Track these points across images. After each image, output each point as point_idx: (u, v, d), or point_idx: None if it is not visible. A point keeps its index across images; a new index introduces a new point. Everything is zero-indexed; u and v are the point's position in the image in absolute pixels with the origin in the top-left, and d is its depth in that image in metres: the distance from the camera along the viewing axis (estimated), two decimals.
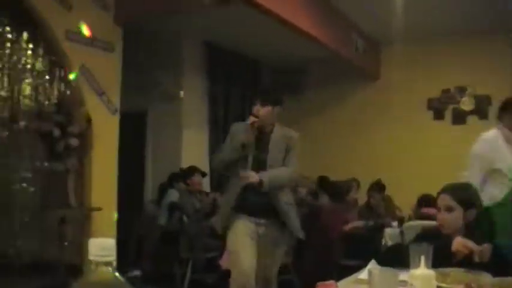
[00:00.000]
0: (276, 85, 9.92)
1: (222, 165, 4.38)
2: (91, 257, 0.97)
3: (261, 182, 4.09)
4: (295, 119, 9.76)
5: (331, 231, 6.43)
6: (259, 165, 4.21)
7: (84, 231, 6.39)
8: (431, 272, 1.88)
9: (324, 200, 7.17)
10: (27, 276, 5.88)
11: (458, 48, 8.50)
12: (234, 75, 8.89)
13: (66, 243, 6.00)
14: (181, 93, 7.86)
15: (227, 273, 5.85)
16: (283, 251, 4.52)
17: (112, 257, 0.98)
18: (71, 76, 6.02)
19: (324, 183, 7.77)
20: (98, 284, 0.95)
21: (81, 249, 6.39)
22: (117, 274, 0.97)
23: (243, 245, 4.18)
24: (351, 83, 9.40)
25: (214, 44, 8.36)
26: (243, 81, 9.16)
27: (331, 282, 2.08)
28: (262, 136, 4.31)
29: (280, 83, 9.87)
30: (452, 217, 2.72)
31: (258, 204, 4.20)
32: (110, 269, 0.96)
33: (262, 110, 4.28)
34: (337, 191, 7.13)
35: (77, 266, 6.18)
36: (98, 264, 0.96)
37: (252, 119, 4.22)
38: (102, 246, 0.98)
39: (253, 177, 4.10)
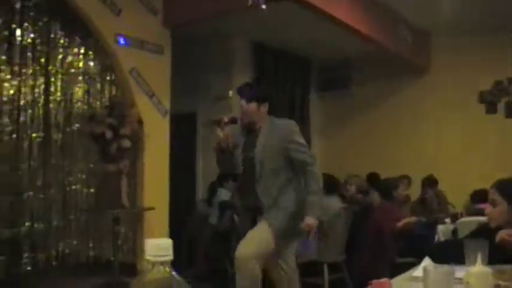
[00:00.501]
0: (324, 82, 9.84)
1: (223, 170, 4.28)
2: (148, 257, 0.97)
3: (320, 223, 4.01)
4: (343, 115, 9.69)
5: (383, 228, 6.29)
6: (249, 165, 3.94)
7: (137, 231, 6.45)
8: (488, 270, 1.78)
9: (374, 197, 7.02)
10: (83, 275, 6.02)
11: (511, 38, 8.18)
12: (282, 73, 8.82)
13: (119, 243, 6.06)
14: (230, 93, 7.82)
15: None
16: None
17: (169, 257, 0.98)
18: None
19: (373, 180, 7.62)
20: (155, 283, 0.96)
21: (134, 248, 6.47)
22: (173, 273, 0.98)
23: None
24: (399, 77, 9.18)
25: (263, 43, 8.31)
26: (291, 79, 9.08)
27: (385, 280, 2.00)
28: (251, 135, 4.02)
29: (329, 79, 9.77)
30: (497, 211, 2.63)
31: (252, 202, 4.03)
32: (166, 268, 0.97)
33: (246, 106, 3.98)
34: (386, 188, 6.97)
35: (130, 265, 6.26)
36: (155, 263, 0.96)
37: (225, 118, 4.00)
38: (159, 246, 0.98)
39: (311, 227, 3.83)
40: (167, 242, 0.99)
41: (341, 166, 8.53)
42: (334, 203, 6.03)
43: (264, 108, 4.01)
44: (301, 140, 3.99)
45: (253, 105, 3.96)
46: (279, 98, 8.79)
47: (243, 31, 7.86)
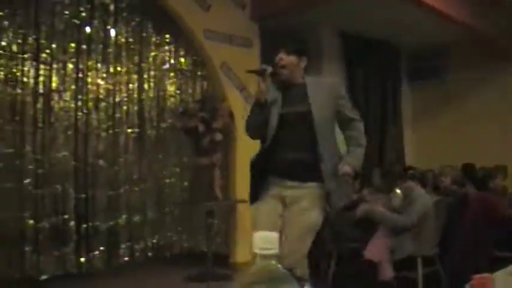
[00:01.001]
0: (415, 71, 9.48)
1: (252, 130, 3.64)
2: (255, 250, 0.94)
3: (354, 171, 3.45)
4: (436, 104, 9.30)
5: (480, 220, 5.98)
6: (288, 123, 3.47)
7: (229, 223, 6.45)
8: None
9: (470, 188, 6.68)
10: (177, 266, 6.07)
11: None
12: (372, 63, 8.55)
13: (213, 235, 6.07)
14: None
15: (371, 264, 5.67)
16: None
17: (275, 250, 0.93)
18: None
19: (468, 171, 7.26)
20: (262, 276, 0.92)
21: (227, 240, 6.47)
22: (280, 266, 0.94)
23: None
24: (493, 65, 8.69)
25: (351, 33, 8.07)
26: (382, 69, 8.79)
27: (487, 275, 1.83)
28: (291, 90, 3.58)
29: (420, 68, 9.40)
30: None
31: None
32: (273, 261, 0.93)
33: (286, 59, 3.58)
34: (483, 179, 6.61)
35: (223, 256, 6.27)
36: (262, 257, 0.93)
37: (269, 68, 3.58)
38: (266, 240, 0.94)
39: (348, 173, 3.37)
40: (274, 236, 0.94)
41: (434, 157, 8.19)
42: (427, 196, 5.80)
43: (303, 63, 3.68)
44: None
45: (293, 58, 3.60)
46: (370, 88, 8.55)
47: (330, 21, 7.67)
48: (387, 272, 5.60)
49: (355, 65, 8.33)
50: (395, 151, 9.01)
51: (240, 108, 6.33)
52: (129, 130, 6.12)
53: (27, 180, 5.30)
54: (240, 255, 6.38)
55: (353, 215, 6.54)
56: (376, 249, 5.61)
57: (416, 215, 5.57)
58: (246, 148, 6.44)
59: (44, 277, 5.32)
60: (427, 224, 5.61)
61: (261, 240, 0.93)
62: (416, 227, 5.53)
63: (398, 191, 6.28)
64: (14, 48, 5.31)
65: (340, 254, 6.31)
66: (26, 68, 5.37)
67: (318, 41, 7.82)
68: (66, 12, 5.63)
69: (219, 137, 5.77)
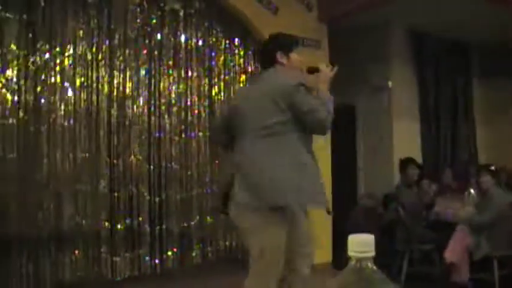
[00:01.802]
0: (486, 68, 8.97)
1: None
2: (351, 253, 0.90)
3: None
4: (509, 102, 8.75)
5: None
6: None
7: None
8: None
9: None
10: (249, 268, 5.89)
11: None
12: (442, 60, 8.13)
13: None
14: (390, 83, 7.36)
15: (449, 267, 5.36)
16: None
17: (372, 253, 0.90)
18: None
19: None
20: (359, 279, 0.89)
21: None
22: (375, 268, 0.91)
23: None
24: None
25: (420, 31, 7.69)
26: (452, 66, 8.35)
27: None
28: None
29: (491, 66, 8.88)
30: None
31: None
32: (369, 264, 0.90)
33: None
34: None
35: None
36: (358, 260, 0.90)
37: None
38: (362, 242, 0.92)
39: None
40: (370, 238, 0.91)
41: (508, 155, 7.72)
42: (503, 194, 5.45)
43: None
44: None
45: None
46: (441, 86, 8.14)
47: (399, 19, 7.33)
48: (463, 274, 5.30)
49: (425, 64, 7.96)
50: (468, 150, 8.61)
51: None
52: (201, 134, 6.03)
53: (102, 184, 5.30)
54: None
55: (427, 216, 6.24)
56: (456, 251, 5.33)
57: (491, 214, 5.27)
58: (316, 149, 6.23)
59: (118, 278, 5.31)
60: (502, 224, 5.29)
61: (357, 243, 0.90)
62: (492, 227, 5.23)
63: (472, 190, 5.96)
64: (89, 56, 5.32)
65: (412, 255, 6.03)
66: (100, 75, 5.37)
67: (386, 39, 7.50)
68: (138, 20, 5.61)
69: None
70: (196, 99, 6.03)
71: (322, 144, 6.21)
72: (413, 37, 7.79)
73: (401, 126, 7.44)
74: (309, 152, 3.23)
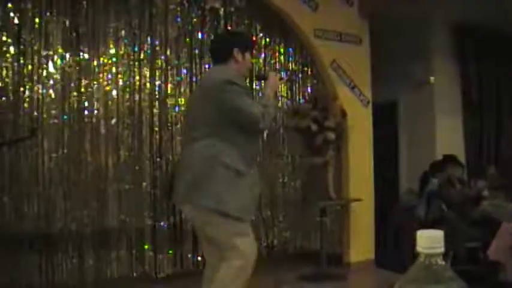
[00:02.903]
0: None
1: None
2: (419, 249, 0.87)
3: None
4: None
5: None
6: None
7: (343, 222, 6.00)
8: None
9: None
10: (291, 265, 5.72)
11: None
12: (486, 55, 7.65)
13: (326, 234, 5.66)
14: (432, 79, 6.96)
15: (494, 265, 5.01)
16: None
17: (441, 249, 0.86)
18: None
19: None
20: (427, 276, 0.85)
21: (341, 239, 6.02)
22: (444, 265, 0.85)
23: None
24: None
25: (463, 24, 7.20)
26: (497, 61, 7.85)
27: None
28: None
29: None
30: None
31: None
32: (438, 261, 0.86)
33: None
34: None
35: (337, 256, 5.85)
36: (427, 256, 0.86)
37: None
38: (431, 238, 0.87)
39: None
40: (439, 234, 0.87)
41: None
42: None
43: None
44: None
45: None
46: (484, 82, 7.68)
47: (441, 13, 6.91)
48: (509, 273, 4.98)
49: (468, 59, 7.51)
50: None
51: (351, 106, 5.83)
52: None
53: (145, 182, 5.16)
54: (354, 255, 5.87)
55: (472, 214, 5.90)
56: (500, 250, 5.00)
57: None
58: (358, 147, 5.99)
59: (162, 275, 5.16)
60: None
61: (426, 239, 0.87)
62: None
63: None
64: (131, 55, 5.19)
65: (456, 254, 5.70)
66: (142, 74, 5.23)
67: (428, 34, 7.10)
68: (179, 19, 5.44)
69: (331, 136, 5.32)
70: None
71: (364, 141, 5.95)
72: (456, 31, 7.32)
73: (444, 122, 7.04)
74: (243, 155, 2.97)
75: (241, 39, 3.26)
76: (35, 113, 4.69)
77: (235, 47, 3.11)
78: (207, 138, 2.92)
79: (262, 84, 3.12)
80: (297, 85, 6.15)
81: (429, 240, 0.86)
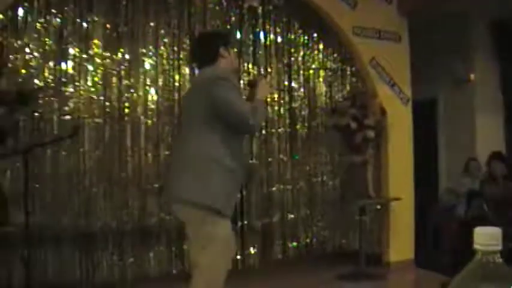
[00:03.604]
0: None
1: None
2: (477, 246, 0.77)
3: None
4: None
5: None
6: None
7: (383, 221, 5.78)
8: None
9: None
10: (329, 265, 5.56)
11: None
12: None
13: (365, 233, 5.46)
14: (472, 76, 6.67)
15: None
16: None
17: (498, 246, 0.77)
18: None
19: None
20: (484, 274, 0.77)
21: (380, 238, 5.82)
22: (502, 262, 0.77)
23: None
24: None
25: (503, 21, 6.87)
26: None
27: None
28: None
29: None
30: None
31: None
32: (496, 258, 0.78)
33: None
34: None
35: (376, 255, 5.66)
36: (484, 253, 0.78)
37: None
38: (489, 235, 0.78)
39: None
40: (497, 231, 0.78)
41: None
42: None
43: None
44: None
45: None
46: None
47: (480, 9, 6.58)
48: None
49: (509, 55, 7.16)
50: None
51: (391, 104, 5.60)
52: (281, 130, 5.65)
53: None
54: (393, 254, 5.62)
55: None
56: None
57: None
58: (398, 145, 5.75)
59: None
60: None
61: (483, 236, 0.79)
62: None
63: None
64: (170, 55, 5.09)
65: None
66: (181, 74, 5.13)
67: (467, 31, 6.79)
68: (217, 18, 5.31)
69: (371, 134, 5.12)
70: (276, 95, 5.67)
71: (404, 139, 5.73)
72: (496, 27, 6.97)
73: (485, 119, 6.72)
74: (231, 153, 2.89)
75: (223, 37, 3.28)
76: (77, 113, 4.64)
77: (221, 45, 3.09)
78: (201, 136, 2.87)
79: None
80: (336, 83, 5.97)
81: (486, 237, 0.80)
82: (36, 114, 4.43)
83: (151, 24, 5.02)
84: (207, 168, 2.81)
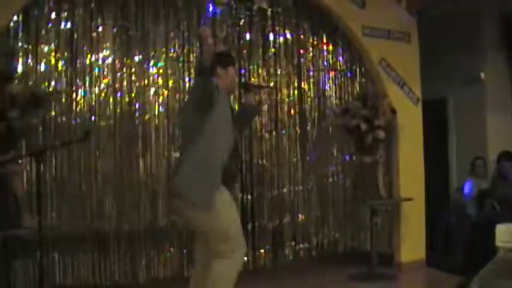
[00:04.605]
0: None
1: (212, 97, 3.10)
2: (499, 244, 0.77)
3: None
4: None
5: None
6: None
7: (393, 221, 5.73)
8: None
9: None
10: (340, 265, 5.54)
11: None
12: None
13: (377, 234, 5.42)
14: (482, 75, 6.59)
15: None
16: None
17: None
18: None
19: None
20: (506, 271, 0.76)
21: (391, 239, 5.77)
22: None
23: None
24: None
25: None
26: None
27: None
28: None
29: None
30: None
31: None
32: None
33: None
34: None
35: (387, 256, 5.61)
36: (506, 250, 0.77)
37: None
38: (510, 232, 0.77)
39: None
40: None
41: None
42: None
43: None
44: None
45: None
46: None
47: (491, 6, 6.48)
48: None
49: None
50: None
51: (401, 104, 5.54)
52: (291, 130, 5.63)
53: None
54: (405, 255, 5.55)
55: None
56: None
57: None
58: (409, 145, 5.69)
59: None
60: None
61: (506, 233, 0.77)
62: None
63: None
64: (180, 57, 5.08)
65: None
66: (191, 76, 5.07)
67: (477, 29, 6.71)
68: (227, 20, 5.30)
69: (381, 134, 5.07)
70: (286, 96, 5.65)
71: (415, 139, 5.68)
72: (506, 25, 6.88)
73: (495, 119, 6.63)
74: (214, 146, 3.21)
75: (222, 57, 3.47)
76: (88, 115, 4.65)
77: (218, 65, 3.29)
78: (193, 143, 3.17)
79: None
80: (346, 84, 5.93)
81: (509, 235, 0.79)
82: (48, 117, 4.43)
83: (161, 27, 5.01)
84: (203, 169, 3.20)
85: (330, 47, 5.85)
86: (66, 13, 4.59)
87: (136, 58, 4.89)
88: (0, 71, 4.00)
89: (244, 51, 5.41)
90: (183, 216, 3.46)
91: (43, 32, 4.49)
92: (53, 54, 4.53)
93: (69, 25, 4.61)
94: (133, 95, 4.87)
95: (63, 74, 4.59)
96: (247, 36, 5.43)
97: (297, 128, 5.65)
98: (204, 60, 2.99)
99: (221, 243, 3.14)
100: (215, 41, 3.43)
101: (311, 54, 5.76)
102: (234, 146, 3.41)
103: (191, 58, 5.13)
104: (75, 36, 4.64)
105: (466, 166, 6.53)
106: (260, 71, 5.52)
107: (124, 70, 4.84)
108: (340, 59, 5.90)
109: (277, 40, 5.60)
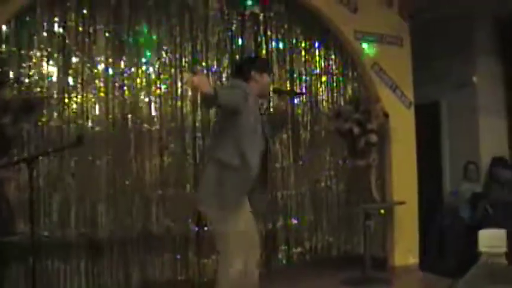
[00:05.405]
0: None
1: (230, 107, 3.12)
2: (482, 249, 0.79)
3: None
4: None
5: None
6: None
7: (387, 225, 5.77)
8: None
9: None
10: (334, 269, 5.53)
11: None
12: None
13: (370, 238, 5.45)
14: (474, 78, 6.65)
15: None
16: None
17: (504, 248, 0.79)
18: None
19: None
20: (489, 276, 0.79)
21: (384, 242, 5.81)
22: (507, 265, 0.78)
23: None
24: None
25: (506, 21, 6.81)
26: None
27: None
28: None
29: None
30: None
31: None
32: (501, 260, 0.79)
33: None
34: None
35: (381, 260, 5.64)
36: (489, 255, 0.80)
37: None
38: (493, 237, 0.80)
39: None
40: (501, 233, 0.80)
41: None
42: None
43: None
44: None
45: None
46: None
47: (482, 9, 6.51)
48: None
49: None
50: None
51: (393, 108, 5.59)
52: (285, 135, 5.65)
53: (188, 187, 5.05)
54: (398, 259, 5.60)
55: None
56: None
57: None
58: (401, 149, 5.72)
59: (205, 279, 5.02)
60: None
61: (488, 238, 0.81)
62: None
63: None
64: (173, 62, 5.10)
65: None
66: (184, 81, 5.10)
67: (470, 32, 6.77)
68: (219, 25, 5.32)
69: (374, 138, 5.11)
70: (276, 102, 5.67)
71: (407, 143, 5.72)
72: (499, 28, 6.92)
73: (488, 122, 6.69)
74: (234, 152, 3.25)
75: (258, 62, 3.61)
76: (81, 121, 4.66)
77: (253, 69, 3.39)
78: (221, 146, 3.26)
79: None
80: (338, 88, 5.96)
81: (491, 239, 0.81)
82: (40, 123, 4.44)
83: (153, 32, 5.03)
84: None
85: (322, 52, 5.87)
86: (58, 18, 4.60)
87: (129, 63, 4.90)
88: None
89: (236, 56, 5.42)
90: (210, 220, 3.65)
91: (35, 37, 4.50)
92: (45, 59, 4.54)
93: (61, 30, 4.62)
94: (126, 100, 4.88)
95: (55, 79, 4.59)
96: (240, 41, 5.44)
97: (289, 132, 5.66)
98: (208, 94, 2.91)
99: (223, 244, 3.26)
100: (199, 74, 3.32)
101: (303, 59, 5.78)
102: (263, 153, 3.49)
103: (183, 63, 5.14)
104: (67, 41, 4.64)
105: (458, 169, 6.58)
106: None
107: (116, 75, 4.85)
108: (333, 63, 5.91)
109: (270, 45, 5.61)
